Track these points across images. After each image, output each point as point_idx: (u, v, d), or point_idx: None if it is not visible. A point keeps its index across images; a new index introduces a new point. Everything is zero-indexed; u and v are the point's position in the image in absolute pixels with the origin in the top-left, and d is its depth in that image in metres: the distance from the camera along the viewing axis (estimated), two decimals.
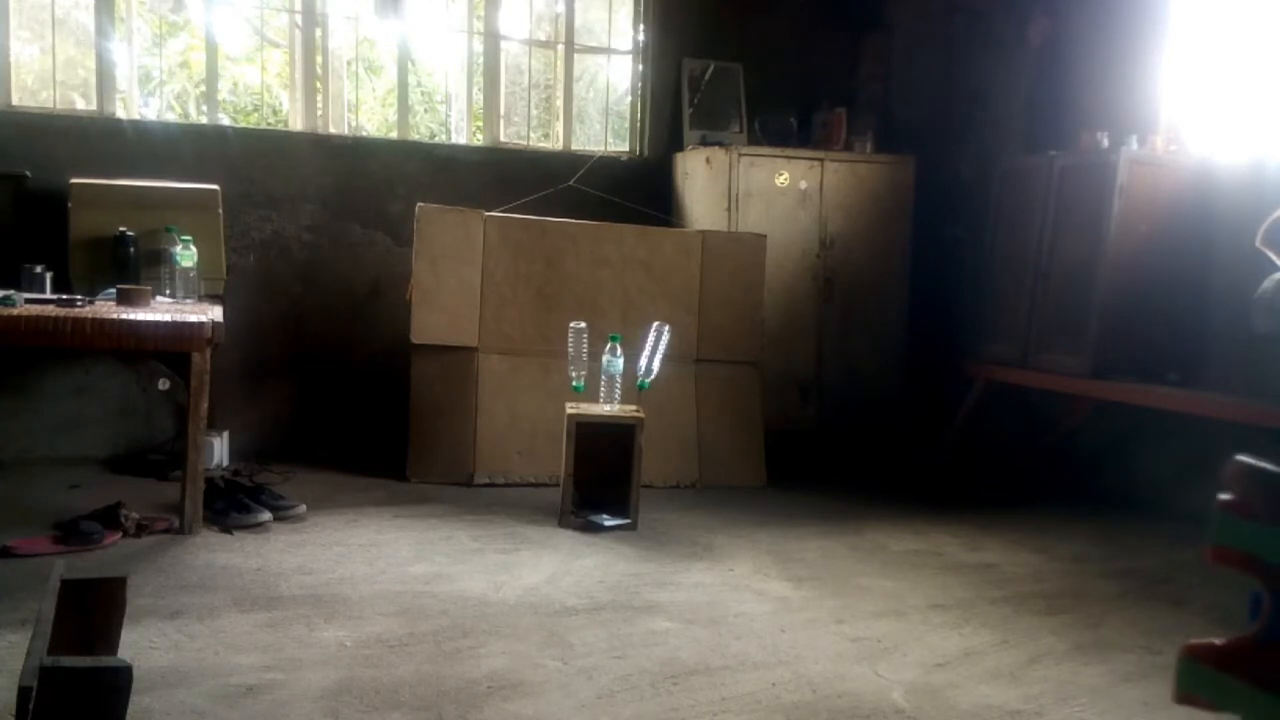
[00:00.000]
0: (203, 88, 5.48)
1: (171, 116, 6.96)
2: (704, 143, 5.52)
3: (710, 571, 3.50)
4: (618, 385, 4.07)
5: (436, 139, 7.06)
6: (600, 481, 4.09)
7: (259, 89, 6.92)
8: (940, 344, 5.53)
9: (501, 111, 5.62)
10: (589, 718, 2.37)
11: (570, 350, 4.13)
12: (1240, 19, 4.50)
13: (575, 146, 5.75)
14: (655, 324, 4.21)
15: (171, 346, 3.57)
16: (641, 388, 4.15)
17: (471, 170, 5.37)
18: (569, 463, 3.99)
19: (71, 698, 1.62)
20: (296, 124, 5.25)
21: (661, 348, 4.17)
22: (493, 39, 5.51)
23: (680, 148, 5.64)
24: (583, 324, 4.15)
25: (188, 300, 4.11)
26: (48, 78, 5.09)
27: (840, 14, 5.95)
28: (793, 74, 5.81)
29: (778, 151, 5.30)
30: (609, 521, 3.95)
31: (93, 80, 4.88)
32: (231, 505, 3.73)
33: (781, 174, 5.24)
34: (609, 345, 4.07)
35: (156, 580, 3.09)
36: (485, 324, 4.65)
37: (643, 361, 4.15)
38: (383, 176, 5.21)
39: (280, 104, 6.54)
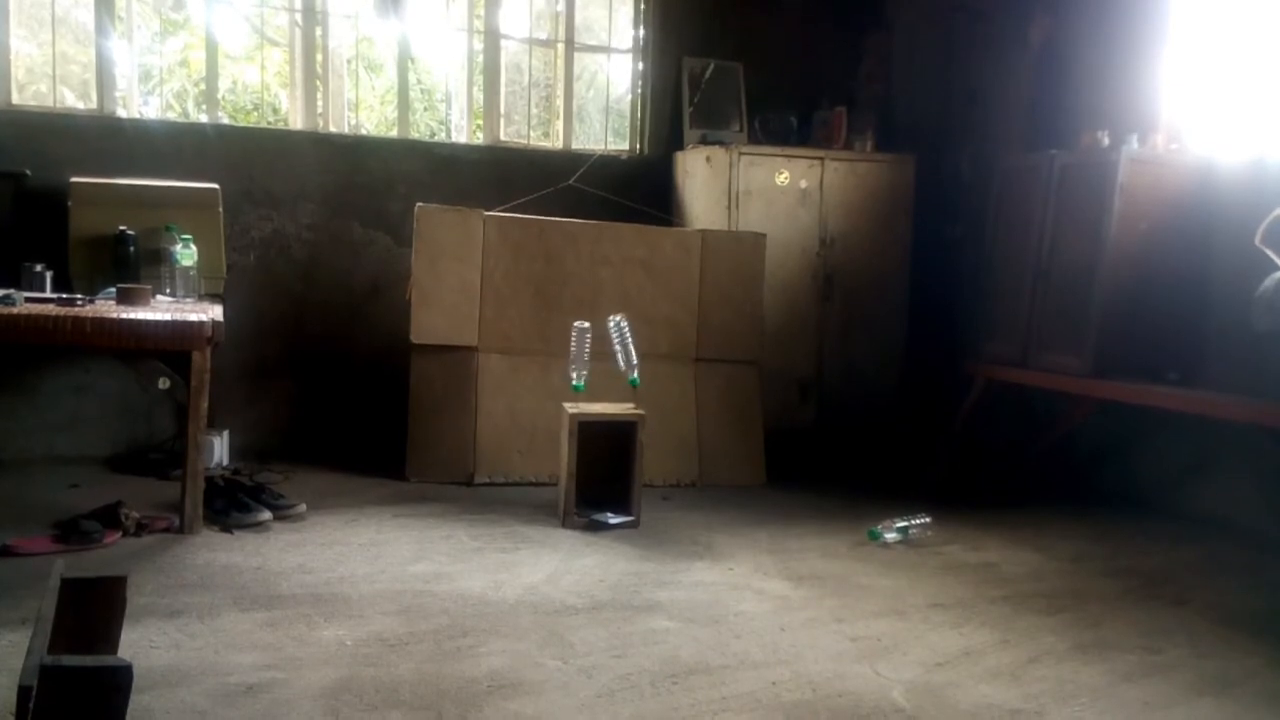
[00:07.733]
0: (202, 86, 5.47)
1: (171, 115, 6.95)
2: (704, 142, 5.52)
3: (710, 570, 3.50)
4: None
5: (436, 138, 7.06)
6: (600, 481, 4.08)
7: (259, 88, 6.91)
8: (940, 343, 5.53)
9: (501, 110, 5.61)
10: (589, 717, 2.37)
11: (572, 349, 4.12)
12: (1240, 19, 4.50)
13: (575, 145, 5.75)
14: (611, 319, 4.13)
15: (171, 345, 3.57)
16: (633, 384, 4.13)
17: (471, 169, 5.37)
18: (570, 462, 3.99)
19: (71, 697, 1.62)
20: (296, 123, 5.24)
21: (628, 338, 4.09)
22: (493, 37, 5.51)
23: (680, 147, 5.64)
24: (585, 323, 4.13)
25: (188, 299, 4.12)
26: (47, 76, 5.09)
27: (840, 14, 5.95)
28: (793, 73, 5.81)
29: (778, 150, 5.30)
30: (613, 519, 3.95)
31: (92, 79, 4.87)
32: (231, 504, 3.73)
33: (781, 173, 5.24)
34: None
35: (156, 579, 3.09)
36: (485, 323, 4.65)
37: (620, 360, 4.11)
38: (383, 175, 5.21)
39: (280, 103, 6.53)
